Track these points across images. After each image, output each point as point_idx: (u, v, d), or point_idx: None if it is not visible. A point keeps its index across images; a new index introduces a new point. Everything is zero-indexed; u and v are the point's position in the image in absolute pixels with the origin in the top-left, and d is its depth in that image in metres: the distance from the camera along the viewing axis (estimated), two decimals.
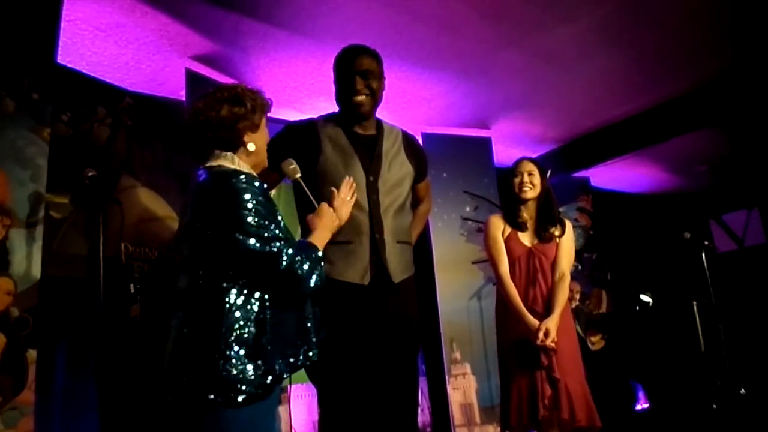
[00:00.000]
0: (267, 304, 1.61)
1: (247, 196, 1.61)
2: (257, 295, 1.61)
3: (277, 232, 1.62)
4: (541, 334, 2.69)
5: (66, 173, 3.10)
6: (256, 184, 1.65)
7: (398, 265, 2.24)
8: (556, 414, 2.69)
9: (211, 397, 1.52)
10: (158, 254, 3.47)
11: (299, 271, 1.62)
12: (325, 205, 1.89)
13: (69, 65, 3.48)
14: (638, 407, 5.43)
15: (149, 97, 3.85)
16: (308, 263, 1.64)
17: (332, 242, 1.98)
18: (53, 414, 2.99)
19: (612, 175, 6.07)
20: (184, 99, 3.67)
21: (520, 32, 3.81)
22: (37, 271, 2.52)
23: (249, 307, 1.59)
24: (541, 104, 4.83)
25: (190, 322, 1.60)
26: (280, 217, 1.67)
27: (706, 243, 4.30)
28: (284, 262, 1.59)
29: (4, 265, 2.43)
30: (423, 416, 4.64)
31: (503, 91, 4.58)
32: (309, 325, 1.71)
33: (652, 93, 4.83)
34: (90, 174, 2.86)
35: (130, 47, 3.57)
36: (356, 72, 2.22)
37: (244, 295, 1.60)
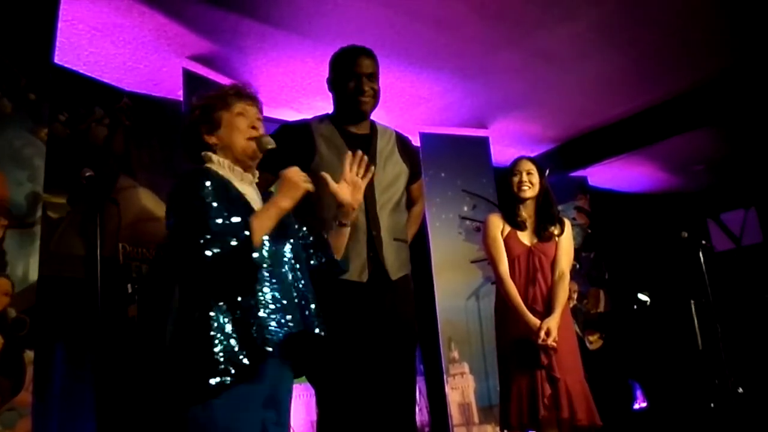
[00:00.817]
0: (208, 297, 1.57)
1: (181, 190, 1.63)
2: (194, 288, 1.58)
3: (193, 221, 1.55)
4: (542, 334, 2.68)
5: (63, 173, 3.10)
6: (191, 177, 1.64)
7: (395, 262, 2.25)
8: (555, 413, 2.68)
9: (170, 395, 1.53)
10: (156, 254, 3.47)
11: (202, 256, 1.51)
12: (287, 171, 1.72)
13: (66, 65, 3.47)
14: (636, 406, 5.43)
15: (147, 97, 3.85)
16: (220, 246, 1.52)
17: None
18: (51, 415, 2.98)
19: (610, 175, 6.08)
20: (181, 99, 3.67)
21: (519, 32, 3.81)
22: (34, 271, 2.51)
23: (191, 302, 1.57)
24: (539, 104, 4.83)
25: (166, 323, 1.62)
26: (215, 206, 1.59)
27: (703, 242, 4.31)
28: (190, 251, 1.53)
29: (1, 265, 2.43)
30: (421, 416, 4.64)
31: (501, 91, 4.58)
32: (259, 318, 1.58)
33: (650, 93, 4.84)
34: (87, 174, 2.85)
35: (127, 47, 3.57)
36: (364, 74, 2.26)
37: (187, 290, 1.58)
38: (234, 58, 3.83)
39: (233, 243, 1.53)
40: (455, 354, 4.58)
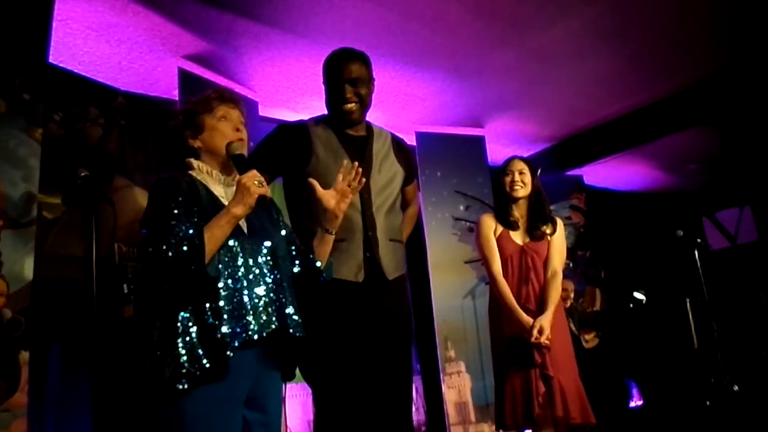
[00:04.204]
0: (173, 301, 1.59)
1: (150, 196, 1.68)
2: (160, 293, 1.61)
3: (154, 225, 1.60)
4: (535, 332, 2.69)
5: (58, 173, 3.09)
6: (164, 182, 1.68)
7: (391, 262, 2.25)
8: (550, 412, 2.69)
9: (144, 397, 1.56)
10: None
11: (154, 262, 1.56)
12: (241, 177, 1.67)
13: (61, 65, 3.47)
14: (632, 404, 5.45)
15: (142, 97, 3.84)
16: (171, 254, 1.55)
17: None
18: (46, 416, 2.98)
19: (605, 173, 6.10)
20: (177, 99, 3.66)
21: (514, 31, 3.82)
22: (29, 271, 2.50)
23: (158, 306, 1.60)
24: (534, 103, 4.84)
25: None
26: (176, 212, 1.61)
27: (699, 241, 4.31)
28: (145, 258, 1.59)
29: None
30: (418, 415, 4.65)
31: (497, 90, 4.58)
32: (222, 321, 1.58)
33: (645, 92, 4.85)
34: (82, 174, 2.85)
35: (122, 47, 3.56)
36: (345, 80, 2.23)
37: (154, 295, 1.62)
38: (229, 58, 3.83)
39: (184, 249, 1.56)
40: (452, 353, 4.59)
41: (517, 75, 4.36)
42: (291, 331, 1.68)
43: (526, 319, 2.76)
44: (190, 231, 1.59)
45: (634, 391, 5.52)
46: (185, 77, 3.63)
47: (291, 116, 4.24)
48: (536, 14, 3.64)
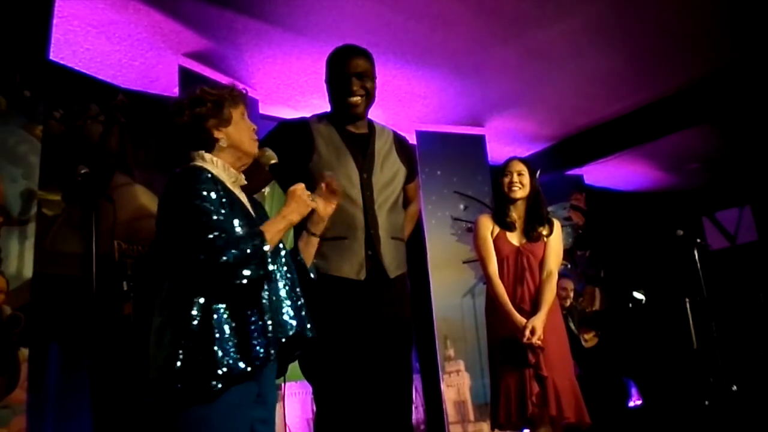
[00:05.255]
0: (210, 299, 1.55)
1: (182, 189, 1.60)
2: (197, 290, 1.55)
3: (204, 221, 1.53)
4: (527, 332, 2.70)
5: (58, 170, 3.09)
6: (196, 176, 1.62)
7: (393, 260, 2.25)
8: (545, 411, 2.70)
9: (167, 395, 1.52)
10: (147, 252, 3.46)
11: (220, 261, 1.50)
12: (295, 188, 1.73)
13: (61, 62, 3.47)
14: (631, 404, 5.45)
15: (142, 94, 3.83)
16: (237, 254, 1.51)
17: (327, 238, 2.00)
18: (46, 413, 2.98)
19: (605, 173, 6.10)
20: (177, 96, 3.67)
21: (514, 30, 3.82)
22: (29, 268, 2.51)
23: (192, 303, 1.54)
24: (534, 102, 4.84)
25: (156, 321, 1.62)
26: (222, 208, 1.58)
27: (698, 240, 4.32)
28: (204, 253, 1.50)
29: None
30: (417, 413, 4.65)
31: (497, 89, 4.58)
32: (265, 321, 1.58)
33: (645, 91, 4.85)
34: (82, 171, 2.85)
35: (123, 44, 3.56)
36: (352, 73, 2.23)
37: (187, 291, 1.56)
38: (230, 56, 3.83)
39: (248, 251, 1.54)
40: (451, 352, 4.59)
41: (518, 74, 4.36)
42: (309, 334, 1.70)
43: (519, 319, 2.76)
44: (252, 231, 1.59)
45: (633, 391, 5.52)
46: (186, 75, 3.64)
47: (291, 114, 4.23)
48: (537, 13, 3.64)
